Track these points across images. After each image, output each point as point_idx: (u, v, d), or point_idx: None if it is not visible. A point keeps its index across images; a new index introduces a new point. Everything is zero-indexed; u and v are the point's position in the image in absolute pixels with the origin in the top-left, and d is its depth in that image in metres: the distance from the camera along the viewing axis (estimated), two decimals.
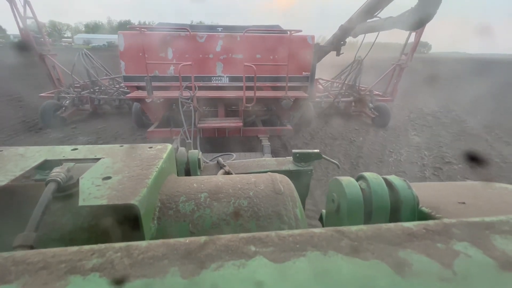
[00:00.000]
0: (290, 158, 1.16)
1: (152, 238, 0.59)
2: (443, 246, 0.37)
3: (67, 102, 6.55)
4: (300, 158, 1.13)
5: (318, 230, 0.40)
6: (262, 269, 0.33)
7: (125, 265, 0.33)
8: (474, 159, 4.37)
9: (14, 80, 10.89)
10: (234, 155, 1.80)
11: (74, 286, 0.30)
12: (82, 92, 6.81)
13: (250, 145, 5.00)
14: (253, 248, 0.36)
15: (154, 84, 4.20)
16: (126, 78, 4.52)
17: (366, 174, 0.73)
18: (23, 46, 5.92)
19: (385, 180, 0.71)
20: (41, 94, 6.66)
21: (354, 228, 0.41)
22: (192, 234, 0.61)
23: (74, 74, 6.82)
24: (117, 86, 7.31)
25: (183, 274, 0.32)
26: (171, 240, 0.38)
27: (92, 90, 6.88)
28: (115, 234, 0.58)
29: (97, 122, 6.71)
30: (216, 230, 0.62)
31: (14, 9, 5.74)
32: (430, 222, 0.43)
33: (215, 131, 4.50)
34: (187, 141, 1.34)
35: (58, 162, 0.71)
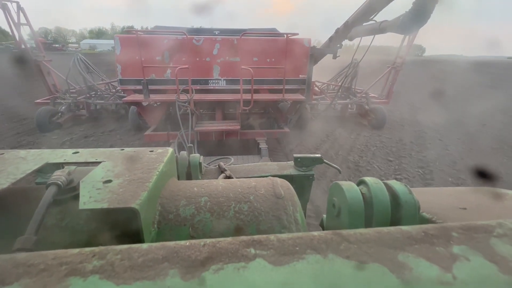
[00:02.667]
0: (291, 162, 1.16)
1: (152, 242, 0.58)
2: (443, 250, 0.37)
3: (63, 107, 6.50)
4: (302, 163, 1.12)
5: (317, 233, 0.40)
6: (262, 272, 0.33)
7: (125, 267, 0.33)
8: None
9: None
10: (232, 158, 1.79)
11: None
12: (78, 98, 6.76)
13: (247, 148, 5.00)
14: (253, 251, 0.36)
15: (151, 87, 4.19)
16: (123, 82, 4.50)
17: (367, 179, 0.72)
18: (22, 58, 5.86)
19: (386, 185, 0.70)
20: (37, 101, 6.60)
21: (353, 231, 0.41)
22: (192, 238, 0.61)
23: (71, 80, 6.77)
24: (113, 90, 7.28)
25: (183, 276, 0.32)
26: (171, 243, 0.38)
27: (88, 95, 6.84)
28: (115, 237, 0.57)
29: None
30: (216, 234, 0.61)
31: (8, 16, 5.70)
32: (429, 225, 0.43)
33: (213, 134, 4.49)
34: (188, 145, 1.34)
35: (59, 165, 0.71)
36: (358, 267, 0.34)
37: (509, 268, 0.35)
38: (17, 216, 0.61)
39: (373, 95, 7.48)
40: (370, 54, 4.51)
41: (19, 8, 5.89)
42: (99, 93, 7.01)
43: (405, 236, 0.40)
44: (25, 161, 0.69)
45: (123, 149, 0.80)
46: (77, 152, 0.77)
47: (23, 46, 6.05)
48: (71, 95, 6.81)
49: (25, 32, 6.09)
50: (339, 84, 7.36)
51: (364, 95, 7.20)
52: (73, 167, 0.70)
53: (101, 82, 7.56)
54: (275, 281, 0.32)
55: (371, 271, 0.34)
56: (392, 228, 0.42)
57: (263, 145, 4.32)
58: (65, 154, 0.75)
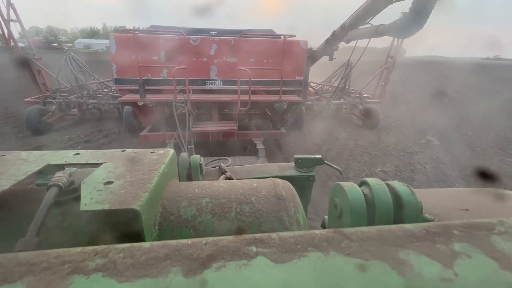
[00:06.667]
0: (292, 163, 1.16)
1: None
2: (444, 247, 0.38)
3: (54, 107, 6.34)
4: (302, 164, 1.12)
5: (319, 232, 0.40)
6: (263, 270, 0.33)
7: (127, 265, 0.33)
8: None
9: None
10: (230, 159, 1.78)
11: (77, 286, 0.30)
12: (70, 97, 6.60)
13: (245, 148, 4.99)
14: (254, 249, 0.36)
15: (147, 87, 4.14)
16: (118, 81, 4.43)
17: (369, 180, 0.72)
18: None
19: (388, 186, 0.70)
20: (26, 99, 6.41)
21: (354, 229, 0.41)
22: None
23: (62, 79, 6.61)
24: (106, 90, 7.14)
25: (185, 274, 0.32)
26: (173, 241, 0.38)
27: (80, 94, 6.69)
28: (117, 239, 0.57)
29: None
30: (217, 236, 0.61)
31: None
32: (430, 223, 0.43)
33: (209, 135, 4.46)
34: (189, 146, 1.32)
35: (60, 167, 0.70)
36: (359, 265, 0.34)
37: (510, 265, 0.35)
38: (18, 218, 0.60)
39: (366, 94, 7.58)
40: (357, 55, 4.57)
41: (9, 4, 5.73)
42: (91, 92, 6.87)
43: (406, 234, 0.40)
44: (26, 162, 0.68)
45: (124, 151, 0.80)
46: (78, 154, 0.76)
47: (12, 44, 5.88)
48: (62, 94, 6.64)
49: (17, 30, 5.95)
50: (335, 85, 7.42)
51: (357, 95, 7.28)
52: (74, 169, 0.69)
53: (93, 81, 7.40)
54: (277, 278, 0.32)
55: (373, 269, 0.34)
56: (393, 226, 0.42)
57: (260, 146, 4.32)
58: (66, 156, 0.74)
